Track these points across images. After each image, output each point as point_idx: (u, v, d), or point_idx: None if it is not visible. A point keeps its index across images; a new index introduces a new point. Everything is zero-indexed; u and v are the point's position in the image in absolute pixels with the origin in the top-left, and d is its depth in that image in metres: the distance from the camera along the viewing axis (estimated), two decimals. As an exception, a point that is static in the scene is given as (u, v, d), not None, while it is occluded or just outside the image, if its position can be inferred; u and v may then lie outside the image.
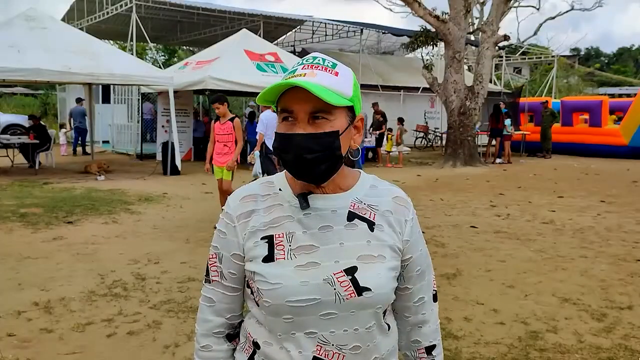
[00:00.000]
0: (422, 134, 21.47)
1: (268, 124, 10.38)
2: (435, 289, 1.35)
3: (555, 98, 23.77)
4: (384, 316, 1.23)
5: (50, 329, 3.78)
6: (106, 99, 18.91)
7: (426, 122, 22.14)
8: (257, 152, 10.10)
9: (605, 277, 5.12)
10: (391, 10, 50.83)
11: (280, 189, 1.23)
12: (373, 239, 1.19)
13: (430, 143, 21.69)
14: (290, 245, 1.16)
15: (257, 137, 9.77)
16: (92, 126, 15.90)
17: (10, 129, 17.73)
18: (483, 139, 17.63)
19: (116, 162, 14.20)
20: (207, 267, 1.28)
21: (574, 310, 4.27)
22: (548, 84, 27.45)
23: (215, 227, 1.28)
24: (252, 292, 1.21)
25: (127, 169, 13.37)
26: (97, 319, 3.97)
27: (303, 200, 1.18)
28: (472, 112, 15.41)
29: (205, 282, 1.29)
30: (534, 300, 4.48)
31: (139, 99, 16.44)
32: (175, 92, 12.67)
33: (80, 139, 16.93)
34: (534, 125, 19.09)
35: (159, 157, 13.74)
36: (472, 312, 4.21)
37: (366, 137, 16.93)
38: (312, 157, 1.12)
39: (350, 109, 1.18)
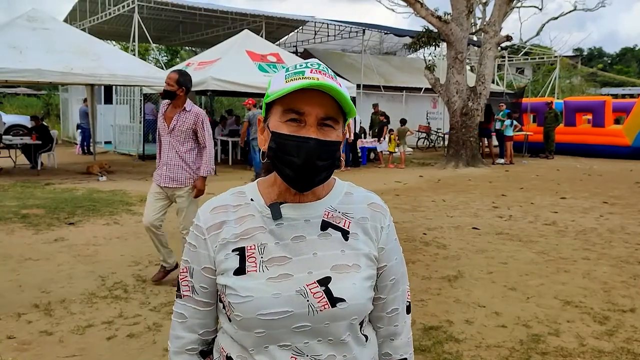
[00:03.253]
0: (424, 135, 21.45)
1: None
2: (409, 300, 1.31)
3: (557, 98, 23.73)
4: (361, 328, 1.19)
5: (50, 332, 3.77)
6: (108, 100, 18.94)
7: (428, 123, 22.12)
8: None
9: (607, 280, 5.09)
10: (393, 10, 50.71)
11: (252, 199, 1.19)
12: (347, 248, 1.16)
13: (433, 144, 21.67)
14: (262, 257, 1.13)
15: None
16: (94, 127, 15.93)
17: (13, 129, 17.77)
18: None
19: (118, 163, 14.22)
20: (178, 281, 1.24)
21: (576, 313, 4.25)
22: (551, 84, 27.42)
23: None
24: (224, 307, 1.17)
25: (129, 169, 13.38)
26: (97, 321, 3.97)
27: (275, 210, 1.15)
28: (474, 113, 15.38)
29: (176, 298, 1.25)
30: (536, 303, 4.46)
31: (141, 100, 16.44)
32: (177, 92, 12.64)
33: (85, 138, 17.09)
34: (537, 126, 19.06)
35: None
36: (474, 314, 4.19)
37: (365, 138, 16.94)
38: (321, 164, 1.10)
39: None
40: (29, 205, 8.20)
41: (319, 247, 1.14)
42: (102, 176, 11.59)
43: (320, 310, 1.10)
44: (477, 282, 5.00)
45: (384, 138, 15.72)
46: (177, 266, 4.74)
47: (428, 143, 21.51)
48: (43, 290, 4.59)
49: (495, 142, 17.23)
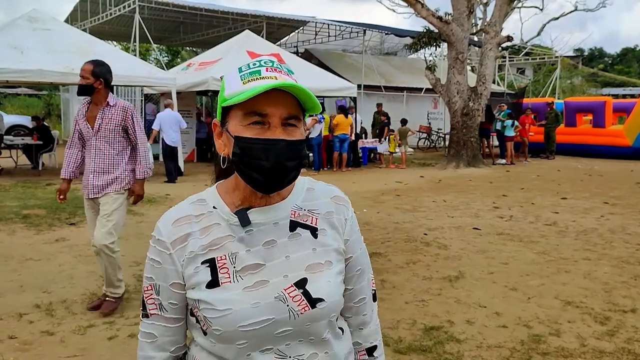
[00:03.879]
0: (425, 135, 21.45)
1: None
2: (374, 288, 1.32)
3: (558, 99, 23.72)
4: (336, 321, 1.20)
5: (52, 332, 3.78)
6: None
7: (429, 123, 22.12)
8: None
9: (608, 280, 5.09)
10: (394, 11, 50.76)
11: (214, 207, 1.15)
12: (318, 245, 1.15)
13: (433, 144, 21.67)
14: (234, 267, 1.09)
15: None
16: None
17: (14, 129, 17.79)
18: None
19: (119, 163, 14.20)
20: (143, 300, 1.18)
21: (577, 313, 4.25)
22: (551, 84, 27.44)
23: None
24: (197, 321, 1.12)
25: (130, 170, 13.36)
26: (99, 321, 3.97)
27: (243, 217, 1.11)
28: (475, 113, 15.38)
29: (142, 317, 1.18)
30: (537, 303, 4.46)
31: (142, 100, 16.46)
32: (178, 93, 12.68)
33: None
34: (537, 126, 19.02)
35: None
36: (475, 315, 4.19)
37: (366, 137, 16.93)
38: (291, 164, 1.08)
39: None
40: (30, 206, 8.21)
41: (290, 250, 1.13)
42: (103, 176, 11.58)
43: (301, 313, 1.09)
44: (477, 283, 5.00)
45: (385, 139, 15.72)
46: (121, 298, 4.19)
47: (429, 143, 21.51)
48: (44, 291, 4.59)
49: (495, 142, 17.24)
